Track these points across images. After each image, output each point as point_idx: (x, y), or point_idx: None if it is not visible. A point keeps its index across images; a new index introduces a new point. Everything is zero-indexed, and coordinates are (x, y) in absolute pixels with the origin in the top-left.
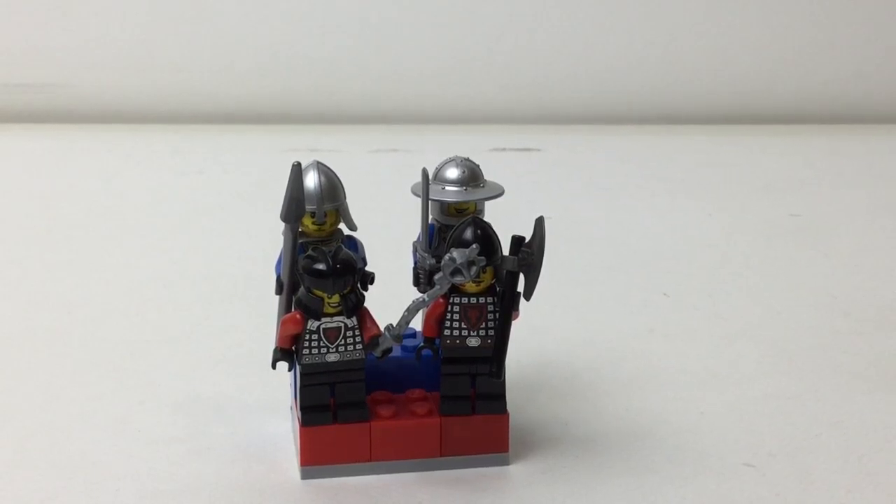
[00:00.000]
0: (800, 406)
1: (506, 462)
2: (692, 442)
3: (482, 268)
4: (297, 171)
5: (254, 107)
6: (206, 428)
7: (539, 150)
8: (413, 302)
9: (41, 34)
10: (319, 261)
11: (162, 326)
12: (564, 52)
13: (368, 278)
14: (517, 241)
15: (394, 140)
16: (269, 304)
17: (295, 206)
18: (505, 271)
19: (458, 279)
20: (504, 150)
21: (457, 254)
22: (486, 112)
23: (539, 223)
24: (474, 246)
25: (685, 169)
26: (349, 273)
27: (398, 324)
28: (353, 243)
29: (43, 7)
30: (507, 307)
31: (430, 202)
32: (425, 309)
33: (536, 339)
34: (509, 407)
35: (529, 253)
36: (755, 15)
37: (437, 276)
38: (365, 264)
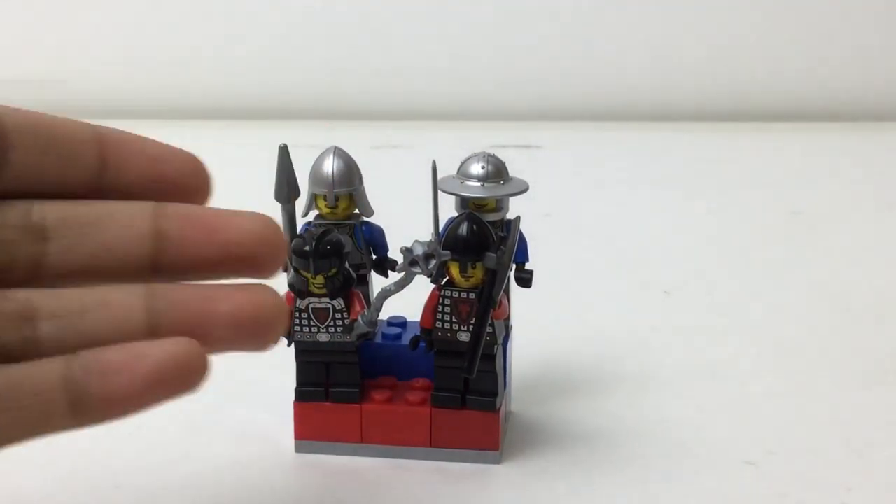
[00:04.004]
0: (800, 403)
1: (497, 460)
2: (693, 439)
3: (458, 262)
4: (284, 153)
5: (254, 103)
6: (212, 407)
7: (540, 146)
8: (381, 290)
9: (40, 31)
10: (307, 242)
11: None
12: (565, 49)
13: (390, 264)
14: (500, 240)
15: (394, 136)
16: None
17: (284, 186)
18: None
19: (415, 270)
20: (505, 146)
21: (416, 245)
22: (487, 108)
23: (512, 224)
24: (432, 240)
25: (686, 166)
26: (332, 256)
27: (370, 311)
28: (370, 229)
29: (43, 4)
30: (485, 305)
31: (454, 196)
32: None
33: (536, 336)
34: (509, 404)
35: (502, 252)
36: (755, 12)
37: (398, 266)
38: (387, 250)
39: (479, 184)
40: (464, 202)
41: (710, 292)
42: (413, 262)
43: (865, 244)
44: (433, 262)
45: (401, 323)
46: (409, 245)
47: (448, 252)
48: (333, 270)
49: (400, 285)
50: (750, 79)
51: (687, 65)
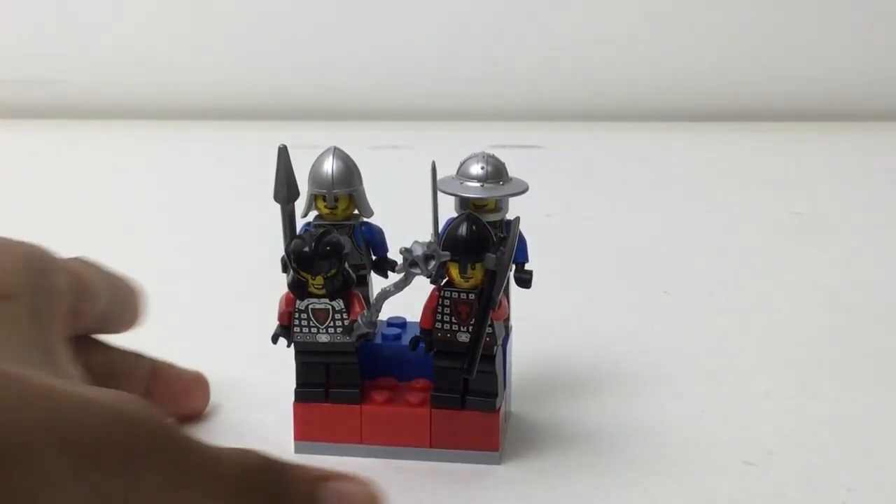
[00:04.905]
0: (800, 403)
1: (497, 461)
2: (692, 440)
3: (457, 263)
4: (283, 154)
5: (253, 103)
6: (212, 407)
7: (540, 147)
8: (381, 291)
9: (43, 31)
10: (306, 243)
11: (163, 316)
12: (565, 48)
13: (389, 264)
14: (499, 240)
15: (394, 136)
16: (270, 292)
17: (284, 187)
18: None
19: (414, 271)
20: (504, 146)
21: (416, 246)
22: (487, 109)
23: (512, 224)
24: (432, 240)
25: (686, 166)
26: (332, 256)
27: (369, 312)
28: (371, 229)
29: (44, 4)
30: (484, 305)
31: (453, 196)
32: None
33: (536, 336)
34: (509, 405)
35: (502, 253)
36: (756, 12)
37: (397, 267)
38: (386, 251)
39: (478, 184)
40: (463, 203)
41: (710, 292)
42: (413, 262)
43: (865, 244)
44: (433, 263)
45: (400, 323)
46: (408, 246)
47: (447, 253)
48: (333, 271)
49: (399, 286)
50: (750, 79)
51: (687, 65)
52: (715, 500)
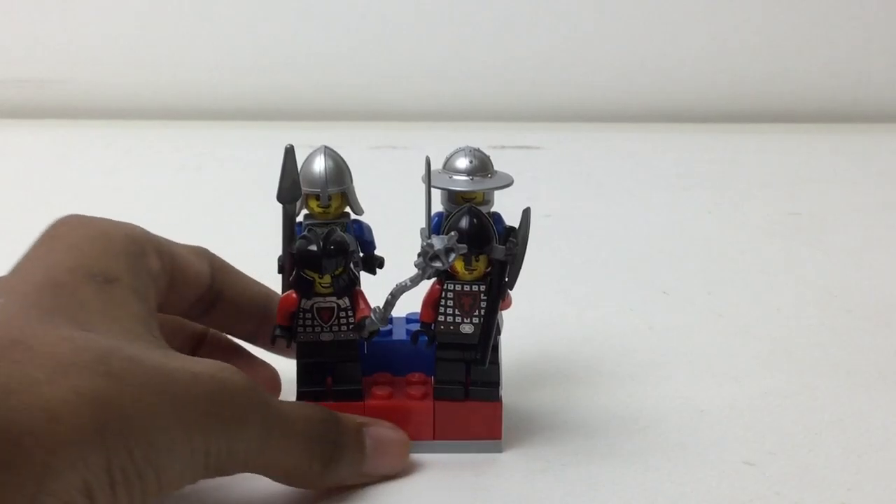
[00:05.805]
0: (799, 404)
1: (499, 449)
2: (692, 439)
3: (462, 255)
4: (290, 154)
5: (253, 103)
6: None
7: (539, 147)
8: (396, 286)
9: (41, 31)
10: (312, 242)
11: None
12: (565, 49)
13: (377, 262)
14: (507, 231)
15: (393, 137)
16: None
17: (289, 187)
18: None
19: (436, 265)
20: (504, 147)
21: (436, 240)
22: (487, 110)
23: (525, 214)
24: (453, 234)
25: (685, 167)
26: (340, 255)
27: (383, 307)
28: (360, 227)
29: (44, 4)
30: (495, 296)
31: (440, 191)
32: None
33: (536, 334)
34: (507, 400)
35: (514, 243)
36: (755, 13)
37: (416, 262)
38: (374, 248)
39: (467, 178)
40: (451, 196)
41: (710, 292)
42: (433, 256)
43: (865, 245)
44: (453, 256)
45: (414, 319)
46: (431, 241)
47: (465, 246)
48: (340, 269)
49: (416, 280)
50: (750, 79)
51: (686, 65)
52: (715, 499)
